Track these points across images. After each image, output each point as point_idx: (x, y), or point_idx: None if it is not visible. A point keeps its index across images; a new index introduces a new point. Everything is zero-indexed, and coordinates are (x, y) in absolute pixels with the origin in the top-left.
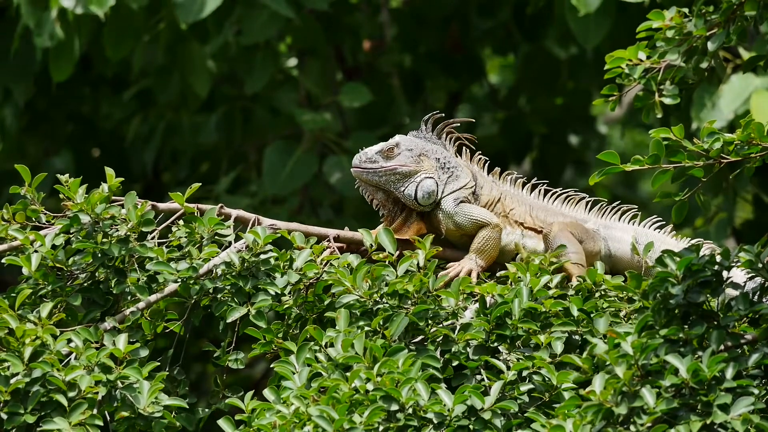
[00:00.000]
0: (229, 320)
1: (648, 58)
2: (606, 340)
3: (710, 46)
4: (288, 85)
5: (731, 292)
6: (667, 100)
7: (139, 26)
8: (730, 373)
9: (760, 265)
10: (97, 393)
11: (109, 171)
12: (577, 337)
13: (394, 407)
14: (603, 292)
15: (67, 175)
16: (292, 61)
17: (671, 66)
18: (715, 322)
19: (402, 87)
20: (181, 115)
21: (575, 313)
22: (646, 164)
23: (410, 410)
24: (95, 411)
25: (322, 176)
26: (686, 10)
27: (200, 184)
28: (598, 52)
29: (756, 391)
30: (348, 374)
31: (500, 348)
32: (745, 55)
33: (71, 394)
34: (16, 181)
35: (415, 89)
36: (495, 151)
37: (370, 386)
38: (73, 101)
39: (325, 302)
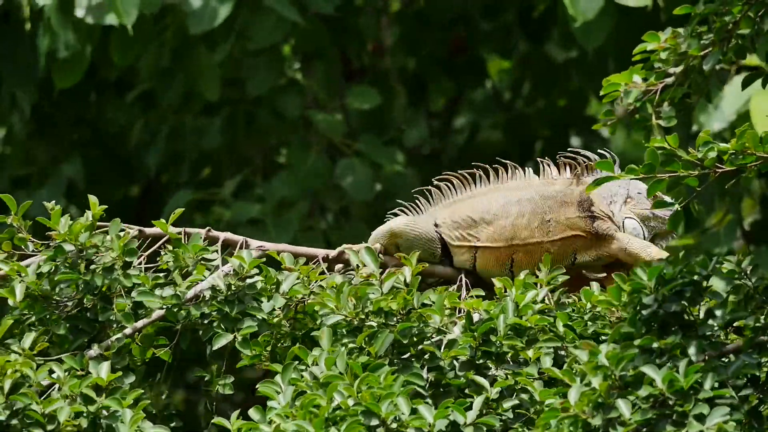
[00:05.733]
0: (215, 347)
1: (644, 80)
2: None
3: (705, 66)
4: (292, 89)
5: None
6: (664, 123)
7: (148, 32)
8: (708, 382)
9: (742, 274)
10: (76, 426)
11: (93, 199)
12: (563, 352)
13: (374, 422)
14: (596, 314)
15: (53, 202)
16: (297, 65)
17: (668, 87)
18: (695, 332)
19: (404, 90)
20: (184, 118)
21: (561, 329)
22: (641, 173)
23: (393, 425)
24: None
25: (333, 179)
26: (681, 30)
27: (183, 209)
28: (600, 53)
29: (735, 401)
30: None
31: (488, 364)
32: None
33: (50, 428)
34: (26, 186)
35: (417, 92)
36: (498, 154)
37: (351, 402)
38: (78, 106)
39: (317, 321)
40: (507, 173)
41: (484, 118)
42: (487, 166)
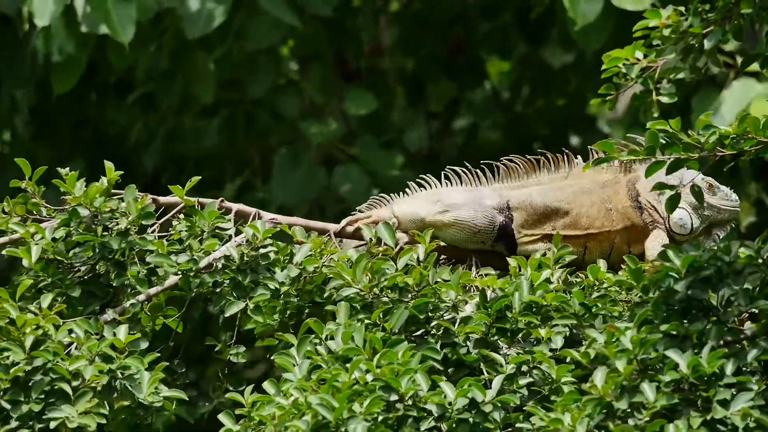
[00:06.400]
0: (227, 314)
1: (645, 57)
2: (604, 334)
3: (706, 44)
4: (291, 90)
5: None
6: (665, 99)
7: (145, 36)
8: (729, 368)
9: (760, 261)
10: (98, 383)
11: (109, 164)
12: (576, 330)
13: (394, 397)
14: (604, 291)
15: (68, 168)
16: (295, 65)
17: (668, 65)
18: (715, 318)
19: (403, 91)
20: (183, 119)
21: (576, 307)
22: (642, 155)
23: (410, 401)
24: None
25: (331, 186)
26: (683, 8)
27: (200, 177)
28: (598, 56)
29: (755, 387)
30: (348, 365)
31: (500, 342)
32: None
33: (75, 383)
34: None
35: (416, 93)
36: (497, 153)
37: (369, 377)
38: (79, 108)
39: (325, 294)
40: (565, 161)
41: (483, 119)
42: (547, 152)
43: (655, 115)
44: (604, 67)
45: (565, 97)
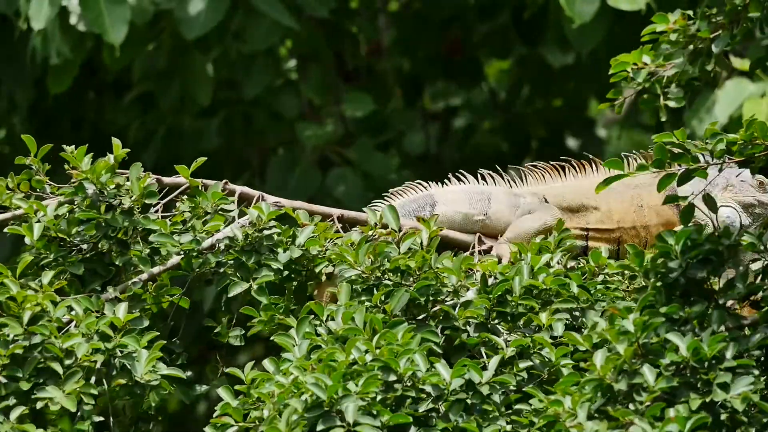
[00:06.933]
0: (230, 294)
1: (652, 61)
2: (606, 318)
3: (714, 48)
4: (289, 90)
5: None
6: (672, 103)
7: (141, 37)
8: (730, 352)
9: (762, 248)
10: (94, 362)
11: (116, 141)
12: (577, 313)
13: (392, 378)
14: (606, 276)
15: (73, 146)
16: (293, 64)
17: (676, 69)
18: (716, 302)
19: (401, 91)
20: (182, 120)
21: (575, 290)
22: (651, 168)
23: (408, 382)
24: (93, 380)
25: (325, 188)
26: (690, 12)
27: (206, 158)
28: (594, 57)
29: (756, 371)
30: (345, 345)
31: (500, 327)
32: (737, 63)
33: (68, 362)
34: None
35: (414, 93)
36: (494, 154)
37: (368, 357)
38: (77, 107)
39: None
40: (593, 166)
41: (480, 120)
42: (572, 159)
43: (663, 119)
44: (611, 71)
45: (562, 98)
